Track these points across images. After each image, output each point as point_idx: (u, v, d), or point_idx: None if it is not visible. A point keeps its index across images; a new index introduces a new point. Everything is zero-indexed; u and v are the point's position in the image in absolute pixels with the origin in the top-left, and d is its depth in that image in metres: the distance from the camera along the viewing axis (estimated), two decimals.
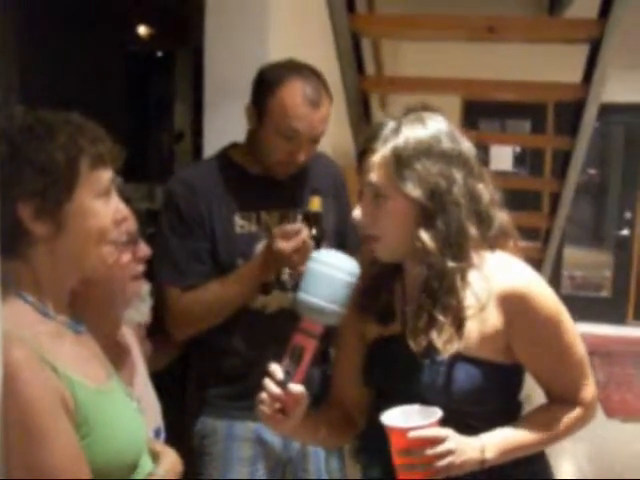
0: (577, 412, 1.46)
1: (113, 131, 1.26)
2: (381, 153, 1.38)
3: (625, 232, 7.36)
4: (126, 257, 1.42)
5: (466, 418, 1.38)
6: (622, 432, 4.76)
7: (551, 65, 4.45)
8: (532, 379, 1.49)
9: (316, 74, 1.90)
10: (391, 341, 1.46)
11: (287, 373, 1.32)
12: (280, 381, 1.32)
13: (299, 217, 1.94)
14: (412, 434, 1.28)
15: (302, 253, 1.75)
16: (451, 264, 1.37)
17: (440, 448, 1.29)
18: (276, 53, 2.31)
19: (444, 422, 1.31)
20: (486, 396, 1.40)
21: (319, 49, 3.05)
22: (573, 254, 7.81)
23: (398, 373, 1.43)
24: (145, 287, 1.70)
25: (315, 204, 1.88)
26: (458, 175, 1.37)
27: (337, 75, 3.35)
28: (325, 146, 1.97)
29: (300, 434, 1.47)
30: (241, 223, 1.93)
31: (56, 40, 3.87)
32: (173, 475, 1.39)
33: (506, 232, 1.46)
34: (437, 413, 1.31)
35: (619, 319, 7.30)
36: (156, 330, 1.89)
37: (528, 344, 1.42)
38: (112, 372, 1.34)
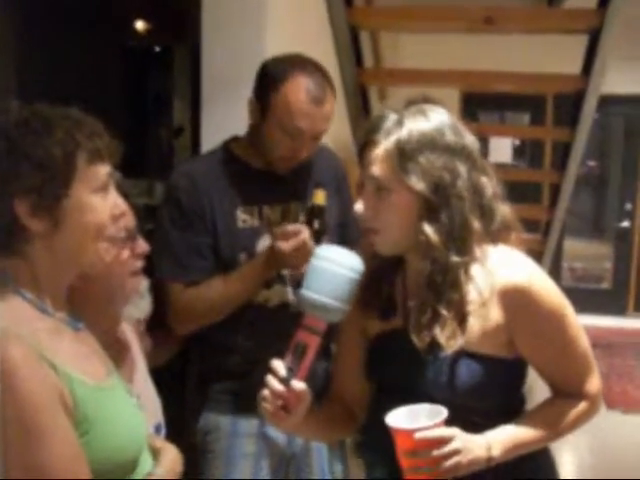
0: (582, 406, 1.45)
1: (112, 127, 1.25)
2: (384, 146, 1.37)
3: (625, 224, 7.35)
4: (125, 253, 1.41)
5: (469, 413, 1.37)
6: (623, 423, 4.77)
7: (550, 56, 4.44)
8: (533, 370, 1.48)
9: (320, 69, 1.88)
10: (393, 336, 1.45)
11: (290, 370, 1.31)
12: (283, 378, 1.31)
13: (302, 211, 1.94)
14: (418, 435, 1.26)
15: (303, 254, 1.75)
16: (455, 258, 1.36)
17: (447, 448, 1.28)
18: (274, 47, 2.30)
19: (447, 418, 1.30)
20: (489, 391, 1.39)
21: (317, 43, 3.04)
22: (573, 246, 7.81)
23: (401, 369, 1.42)
24: (144, 283, 1.69)
25: (320, 197, 1.87)
26: (462, 168, 1.36)
27: (335, 68, 3.34)
28: (324, 139, 1.96)
29: (302, 430, 1.46)
30: (243, 217, 1.92)
31: (54, 36, 3.86)
32: (174, 472, 1.39)
33: (509, 225, 1.45)
34: (443, 413, 1.29)
35: (619, 311, 7.31)
36: (156, 326, 1.89)
37: (531, 339, 1.41)
38: (112, 369, 1.33)
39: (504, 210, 1.43)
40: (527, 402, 1.51)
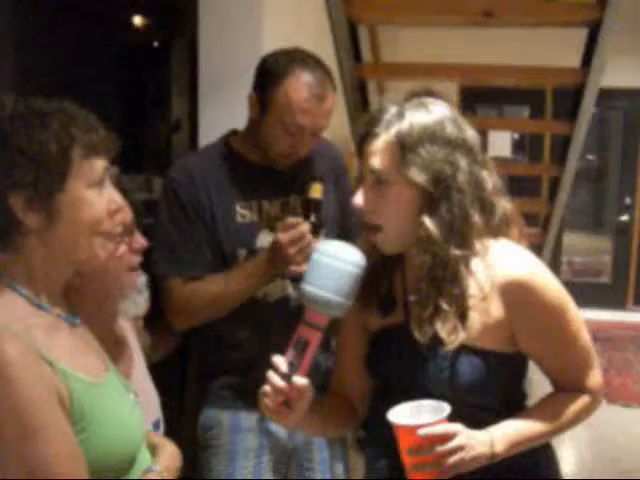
0: (584, 400, 1.45)
1: (109, 122, 1.24)
2: (384, 138, 1.36)
3: (624, 218, 7.34)
4: (121, 248, 1.40)
5: (470, 409, 1.37)
6: (622, 417, 4.77)
7: (550, 50, 4.43)
8: (533, 365, 1.47)
9: (321, 65, 1.87)
10: (394, 332, 1.44)
11: (291, 365, 1.30)
12: (284, 374, 1.30)
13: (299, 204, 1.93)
14: (421, 432, 1.25)
15: (302, 247, 1.74)
16: (455, 252, 1.35)
17: (450, 445, 1.27)
18: (271, 42, 2.29)
19: (450, 414, 1.29)
20: (490, 386, 1.38)
21: (315, 37, 3.03)
22: (573, 240, 7.81)
23: (401, 364, 1.41)
24: (142, 278, 1.69)
25: (316, 191, 1.85)
26: (463, 162, 1.35)
27: (334, 62, 3.33)
28: (323, 133, 1.95)
29: (303, 426, 1.45)
30: (242, 213, 1.91)
31: (49, 32, 3.84)
32: (172, 468, 1.38)
33: (509, 220, 1.44)
34: (445, 409, 1.29)
35: (619, 305, 7.30)
36: (154, 321, 1.88)
37: (532, 334, 1.40)
38: (109, 365, 1.32)
39: (505, 205, 1.42)
40: (528, 397, 1.51)
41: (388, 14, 3.65)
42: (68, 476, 1.10)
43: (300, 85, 1.81)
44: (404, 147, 1.34)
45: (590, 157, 8.11)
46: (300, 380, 1.31)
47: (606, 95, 4.66)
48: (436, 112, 1.37)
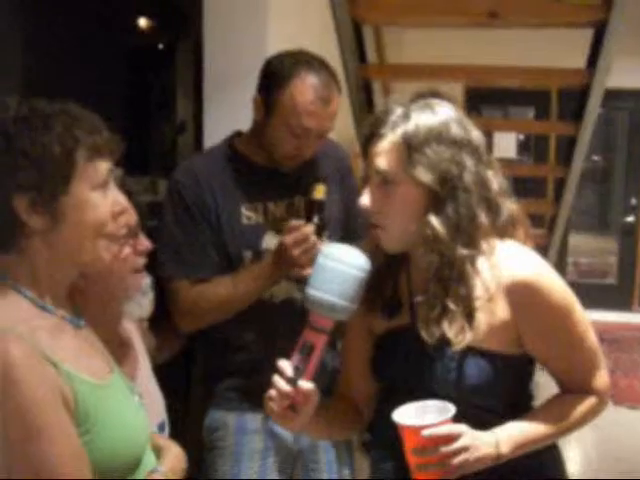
0: (591, 402, 1.44)
1: (115, 124, 1.24)
2: (390, 139, 1.36)
3: (630, 218, 7.32)
4: (126, 250, 1.40)
5: (476, 410, 1.36)
6: (629, 418, 4.75)
7: (555, 51, 4.42)
8: (540, 366, 1.47)
9: (326, 67, 1.87)
10: (399, 334, 1.44)
11: (297, 369, 1.30)
12: (290, 378, 1.30)
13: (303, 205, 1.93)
14: (426, 432, 1.25)
15: (306, 249, 1.74)
16: (461, 251, 1.35)
17: (455, 445, 1.27)
18: (276, 43, 2.29)
19: (455, 415, 1.29)
20: (497, 388, 1.38)
21: (320, 38, 3.03)
22: (578, 241, 7.79)
23: (408, 366, 1.41)
24: (146, 280, 1.69)
25: (319, 192, 1.85)
26: (468, 162, 1.35)
27: (339, 63, 3.33)
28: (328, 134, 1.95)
29: (309, 429, 1.45)
30: (247, 214, 1.91)
31: (56, 34, 3.85)
32: (176, 470, 1.38)
33: (515, 221, 1.44)
34: (450, 410, 1.28)
35: (625, 306, 7.28)
36: (159, 323, 1.88)
37: (538, 335, 1.40)
38: (114, 366, 1.32)
39: (510, 205, 1.42)
40: (534, 398, 1.50)
41: (393, 15, 3.65)
42: (72, 477, 1.10)
43: (305, 87, 1.80)
44: (410, 147, 1.34)
45: (596, 158, 8.09)
46: (306, 384, 1.30)
47: (612, 96, 4.65)
48: (441, 113, 1.37)
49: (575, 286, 1.46)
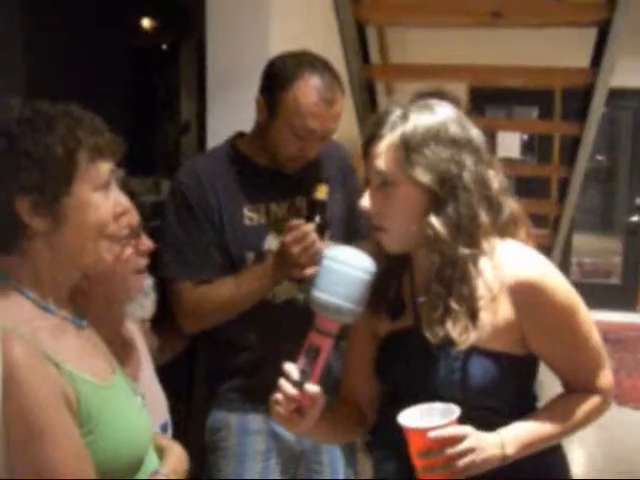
0: (595, 401, 1.44)
1: (119, 125, 1.24)
2: (389, 140, 1.36)
3: (635, 218, 7.31)
4: (128, 251, 1.40)
5: (481, 411, 1.36)
6: (633, 419, 4.74)
7: (559, 50, 4.41)
8: (544, 366, 1.47)
9: (329, 68, 1.86)
10: (403, 335, 1.44)
11: (303, 373, 1.30)
12: (296, 381, 1.29)
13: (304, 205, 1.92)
14: (431, 434, 1.25)
15: (305, 247, 1.74)
16: (463, 251, 1.34)
17: (460, 447, 1.27)
18: (279, 44, 2.28)
19: (460, 416, 1.28)
20: (501, 388, 1.37)
21: (323, 38, 3.03)
22: (582, 241, 7.78)
23: (412, 368, 1.40)
24: (149, 281, 1.69)
25: (321, 192, 1.85)
26: (468, 161, 1.35)
27: (342, 64, 3.32)
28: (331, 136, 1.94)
29: (314, 433, 1.44)
30: (250, 215, 1.91)
31: (59, 35, 3.85)
32: (179, 470, 1.38)
33: (516, 220, 1.44)
34: (455, 411, 1.28)
35: (629, 306, 7.27)
36: (162, 324, 1.88)
37: (542, 335, 1.39)
38: (116, 367, 1.32)
39: (511, 204, 1.42)
40: (538, 398, 1.50)
41: (396, 15, 3.64)
42: (75, 477, 1.10)
43: (309, 89, 1.80)
44: (408, 148, 1.34)
45: (600, 157, 8.08)
46: (312, 388, 1.30)
47: (615, 95, 4.64)
48: (440, 113, 1.37)
49: (579, 286, 1.46)
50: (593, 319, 1.44)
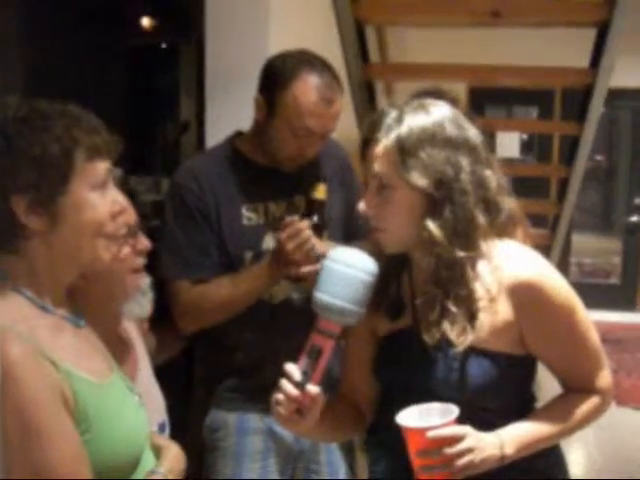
0: (594, 401, 1.44)
1: (118, 124, 1.24)
2: (384, 143, 1.35)
3: (634, 218, 7.32)
4: (125, 250, 1.40)
5: (480, 411, 1.36)
6: (632, 419, 4.74)
7: (558, 50, 4.41)
8: (542, 366, 1.46)
9: (328, 67, 1.86)
10: (402, 335, 1.43)
11: (305, 374, 1.29)
12: (297, 382, 1.29)
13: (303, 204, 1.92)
14: (430, 434, 1.25)
15: (299, 244, 1.73)
16: (460, 254, 1.34)
17: (459, 447, 1.27)
18: (278, 43, 2.28)
19: (459, 416, 1.28)
20: (500, 388, 1.37)
21: (322, 38, 3.03)
22: (582, 241, 7.78)
23: (410, 368, 1.40)
24: (146, 280, 1.68)
25: (320, 192, 1.85)
26: (465, 162, 1.34)
27: (341, 63, 3.32)
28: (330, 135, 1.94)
29: (314, 433, 1.44)
30: (248, 215, 1.90)
31: (59, 34, 3.85)
32: (176, 470, 1.38)
33: (514, 219, 1.43)
34: (454, 411, 1.28)
35: (628, 306, 7.28)
36: (160, 323, 1.88)
37: (541, 335, 1.39)
38: (114, 366, 1.32)
39: (510, 204, 1.41)
40: (537, 399, 1.50)
41: (395, 15, 3.64)
42: (72, 476, 1.10)
43: (308, 88, 1.80)
44: (404, 151, 1.33)
45: (599, 157, 8.07)
46: (313, 388, 1.30)
47: (615, 95, 4.65)
48: (436, 113, 1.36)
49: (578, 286, 1.46)
50: (592, 319, 1.44)
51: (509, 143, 6.99)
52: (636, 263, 7.35)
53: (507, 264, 1.37)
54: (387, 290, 1.45)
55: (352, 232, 1.95)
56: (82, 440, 1.13)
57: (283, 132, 1.83)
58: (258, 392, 1.79)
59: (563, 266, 6.54)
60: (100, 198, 1.19)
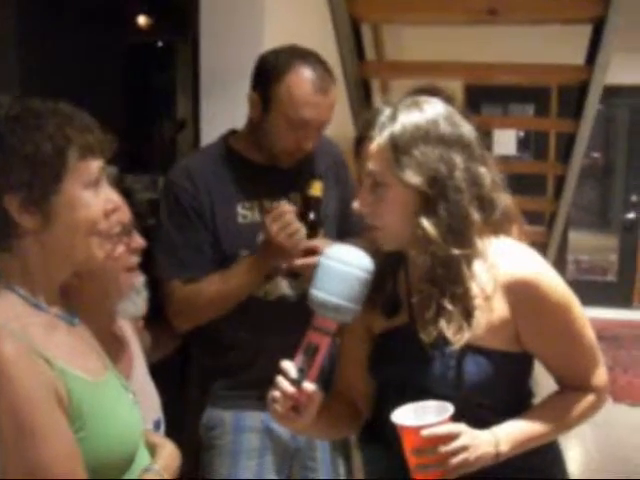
0: (589, 399, 1.44)
1: (114, 123, 1.23)
2: (378, 141, 1.35)
3: (631, 215, 7.33)
4: (119, 248, 1.40)
5: (476, 409, 1.36)
6: (629, 416, 4.75)
7: (554, 47, 4.41)
8: (538, 364, 1.46)
9: (320, 59, 1.87)
10: (398, 333, 1.43)
11: (301, 371, 1.30)
12: (294, 379, 1.29)
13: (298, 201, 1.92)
14: (425, 432, 1.25)
15: (288, 232, 1.73)
16: (455, 251, 1.34)
17: (454, 445, 1.27)
18: (272, 40, 2.28)
19: (455, 414, 1.29)
20: (496, 386, 1.37)
21: (318, 35, 3.02)
22: (578, 238, 7.78)
23: (406, 366, 1.40)
24: (141, 279, 1.68)
25: (316, 188, 1.85)
26: (459, 159, 1.34)
27: (337, 61, 3.32)
28: (326, 132, 1.94)
29: (310, 430, 1.44)
30: (243, 213, 1.90)
31: (55, 32, 3.84)
32: (171, 468, 1.38)
33: (510, 217, 1.43)
34: (449, 409, 1.28)
35: (625, 303, 7.28)
36: (154, 322, 1.88)
37: (537, 332, 1.39)
38: (108, 364, 1.32)
39: (505, 200, 1.41)
40: (534, 396, 1.50)
41: (391, 12, 3.64)
42: (66, 475, 1.10)
43: (302, 79, 1.80)
44: (397, 150, 1.33)
45: (595, 155, 8.07)
46: (310, 386, 1.30)
47: (611, 92, 4.66)
48: (429, 111, 1.36)
49: (575, 284, 1.46)
50: (589, 316, 1.44)
51: (506, 140, 6.99)
52: (633, 260, 7.35)
53: (503, 262, 1.37)
54: (383, 287, 1.45)
55: (346, 229, 1.95)
56: (76, 438, 1.13)
57: (279, 126, 1.83)
58: (254, 390, 1.79)
59: (560, 263, 6.54)
60: (93, 196, 1.18)
